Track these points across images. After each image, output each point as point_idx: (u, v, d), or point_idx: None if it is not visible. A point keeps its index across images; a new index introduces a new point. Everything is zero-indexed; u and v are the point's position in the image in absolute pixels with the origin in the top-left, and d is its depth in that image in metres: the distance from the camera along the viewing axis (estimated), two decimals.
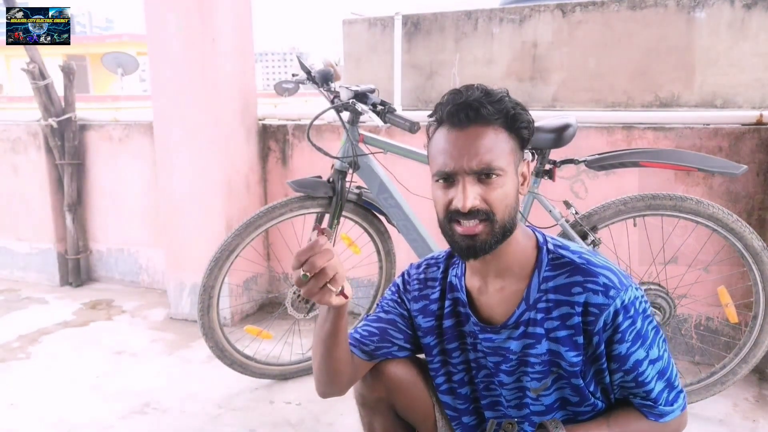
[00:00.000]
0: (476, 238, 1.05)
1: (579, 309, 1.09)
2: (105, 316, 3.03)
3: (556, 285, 1.12)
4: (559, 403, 1.19)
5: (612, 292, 1.07)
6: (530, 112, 1.12)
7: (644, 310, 1.10)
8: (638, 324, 1.09)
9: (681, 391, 1.16)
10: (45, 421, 2.07)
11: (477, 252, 1.07)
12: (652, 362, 1.11)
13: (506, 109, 1.06)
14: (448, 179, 1.06)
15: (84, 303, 3.21)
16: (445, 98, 1.09)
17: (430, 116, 1.13)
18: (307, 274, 0.99)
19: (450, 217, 1.07)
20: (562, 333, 1.11)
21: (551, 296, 1.12)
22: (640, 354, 1.10)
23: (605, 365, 1.12)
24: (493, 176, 1.04)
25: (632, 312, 1.08)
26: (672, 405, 1.14)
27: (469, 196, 1.03)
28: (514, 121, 1.07)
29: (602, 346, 1.10)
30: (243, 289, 2.97)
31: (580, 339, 1.10)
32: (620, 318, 1.07)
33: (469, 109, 1.04)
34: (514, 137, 1.08)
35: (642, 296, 1.11)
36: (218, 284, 2.13)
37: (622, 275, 1.10)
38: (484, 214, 1.04)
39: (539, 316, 1.13)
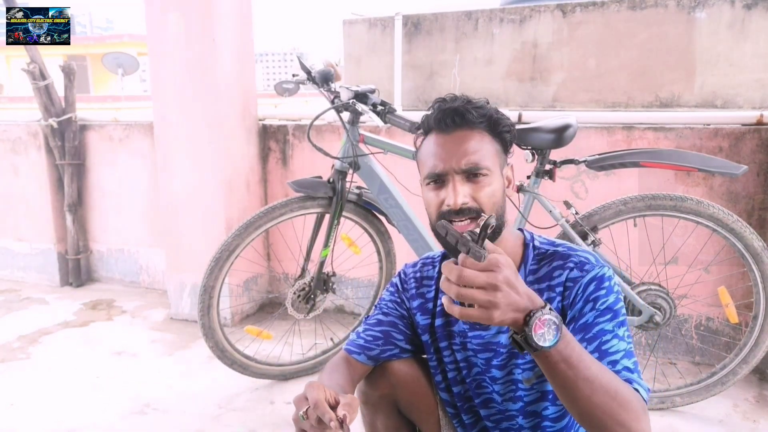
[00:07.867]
0: None
1: (559, 289, 1.12)
2: (105, 317, 3.03)
3: (540, 276, 1.16)
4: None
5: (587, 267, 1.11)
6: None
7: (618, 292, 1.10)
8: (611, 299, 1.08)
9: (647, 388, 1.02)
10: (45, 422, 2.07)
11: None
12: (620, 339, 1.05)
13: (489, 113, 1.14)
14: (438, 180, 1.12)
15: (84, 303, 3.22)
16: (431, 109, 1.16)
17: (418, 128, 1.20)
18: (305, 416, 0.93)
19: (442, 218, 1.10)
20: None
21: (536, 287, 1.15)
22: (607, 326, 1.06)
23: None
24: (480, 176, 1.10)
25: (606, 285, 1.09)
26: (638, 379, 1.02)
27: (459, 193, 1.08)
28: (496, 125, 1.15)
29: (580, 320, 1.07)
30: (243, 290, 2.97)
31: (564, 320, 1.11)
32: (593, 287, 1.09)
33: (455, 115, 1.12)
34: (497, 141, 1.15)
35: (617, 283, 1.12)
36: (218, 284, 2.13)
37: (598, 259, 1.14)
38: (474, 212, 1.09)
39: None
